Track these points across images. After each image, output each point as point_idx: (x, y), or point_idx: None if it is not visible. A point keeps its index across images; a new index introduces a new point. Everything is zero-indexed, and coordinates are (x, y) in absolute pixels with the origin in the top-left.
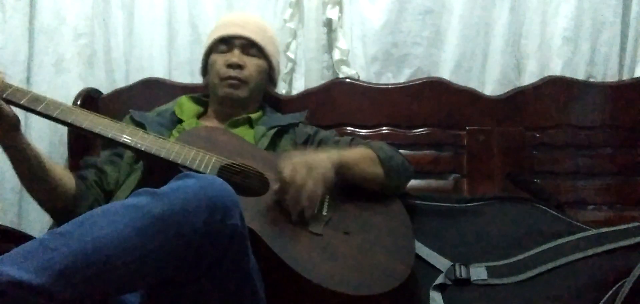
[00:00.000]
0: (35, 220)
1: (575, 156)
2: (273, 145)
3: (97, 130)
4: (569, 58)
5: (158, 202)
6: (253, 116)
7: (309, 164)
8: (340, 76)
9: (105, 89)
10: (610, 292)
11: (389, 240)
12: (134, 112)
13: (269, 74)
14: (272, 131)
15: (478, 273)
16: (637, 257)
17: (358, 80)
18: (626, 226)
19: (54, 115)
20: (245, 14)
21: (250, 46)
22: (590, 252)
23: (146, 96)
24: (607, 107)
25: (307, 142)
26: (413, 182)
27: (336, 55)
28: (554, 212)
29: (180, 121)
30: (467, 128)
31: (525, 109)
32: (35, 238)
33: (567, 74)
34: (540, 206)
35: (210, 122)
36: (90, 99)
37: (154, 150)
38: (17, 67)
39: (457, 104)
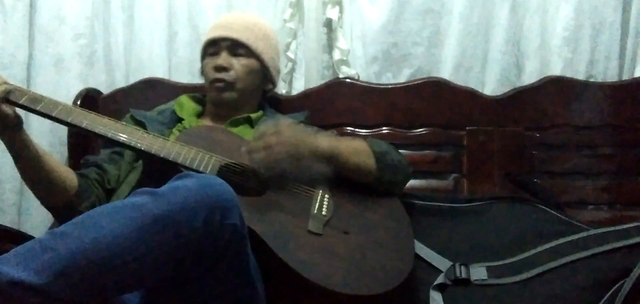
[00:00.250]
0: (35, 220)
1: (575, 156)
2: None
3: (97, 129)
4: (569, 58)
5: (158, 202)
6: (253, 115)
7: (292, 134)
8: (340, 76)
9: (105, 89)
10: (610, 292)
11: (389, 240)
12: (135, 111)
13: (263, 73)
14: None
15: (478, 273)
16: (637, 257)
17: (358, 80)
18: (626, 226)
19: (54, 114)
20: (236, 14)
21: (237, 47)
22: (590, 252)
23: (146, 96)
24: (607, 107)
25: None
26: (413, 182)
27: (336, 55)
28: (554, 212)
29: (180, 120)
30: (467, 128)
31: (525, 109)
32: (35, 237)
33: (567, 74)
34: (540, 206)
35: (210, 122)
36: (90, 99)
37: (153, 150)
38: (17, 67)
39: (457, 104)
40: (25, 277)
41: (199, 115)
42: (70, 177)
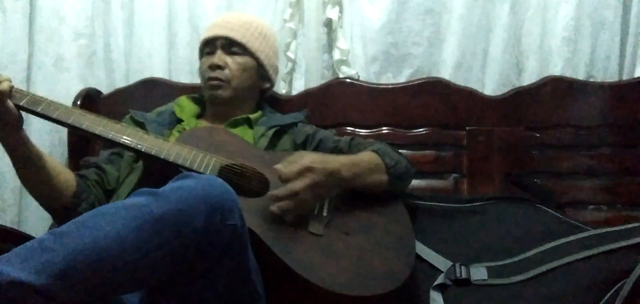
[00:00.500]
0: (35, 220)
1: (575, 156)
2: (272, 145)
3: (97, 131)
4: (569, 58)
5: (158, 203)
6: (252, 116)
7: (315, 182)
8: (340, 76)
9: (105, 89)
10: (610, 292)
11: (390, 240)
12: (135, 112)
13: (259, 71)
14: (271, 131)
15: (478, 273)
16: (637, 257)
17: (358, 80)
18: (626, 226)
19: (54, 116)
20: (232, 14)
21: (232, 45)
22: (590, 252)
23: (146, 96)
24: (607, 107)
25: (306, 141)
26: (413, 182)
27: (336, 55)
28: (554, 213)
29: (180, 121)
30: (467, 128)
31: (525, 109)
32: (35, 237)
33: (567, 74)
34: (540, 206)
35: (210, 122)
36: (90, 99)
37: (154, 151)
38: (17, 67)
39: (457, 104)
40: (25, 277)
41: (199, 116)
42: (69, 178)
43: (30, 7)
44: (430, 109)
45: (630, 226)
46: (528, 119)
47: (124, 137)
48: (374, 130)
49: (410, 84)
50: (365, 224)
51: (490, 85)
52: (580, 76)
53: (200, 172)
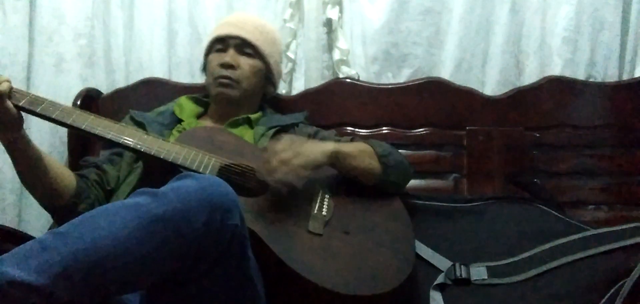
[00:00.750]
0: (35, 220)
1: (575, 156)
2: None
3: (96, 131)
4: (569, 58)
5: (158, 203)
6: (252, 116)
7: (302, 145)
8: (340, 76)
9: (105, 89)
10: (610, 292)
11: (389, 240)
12: (134, 112)
13: (267, 75)
14: (272, 131)
15: (478, 272)
16: (637, 257)
17: (358, 80)
18: (626, 226)
19: (54, 116)
20: (245, 14)
21: (245, 46)
22: (590, 252)
23: (146, 96)
24: (607, 107)
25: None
26: (413, 182)
27: (336, 55)
28: (554, 213)
29: (180, 121)
30: (467, 128)
31: (525, 109)
32: (35, 237)
33: (567, 74)
34: (540, 206)
35: (210, 122)
36: (90, 99)
37: (153, 151)
38: (17, 67)
39: (457, 104)
40: (26, 277)
41: (199, 116)
42: (69, 178)
43: (30, 7)
44: (430, 109)
45: (630, 226)
46: (528, 119)
47: (124, 137)
48: (374, 130)
49: (410, 84)
50: (365, 223)
51: (490, 85)
52: (580, 76)
53: (200, 172)
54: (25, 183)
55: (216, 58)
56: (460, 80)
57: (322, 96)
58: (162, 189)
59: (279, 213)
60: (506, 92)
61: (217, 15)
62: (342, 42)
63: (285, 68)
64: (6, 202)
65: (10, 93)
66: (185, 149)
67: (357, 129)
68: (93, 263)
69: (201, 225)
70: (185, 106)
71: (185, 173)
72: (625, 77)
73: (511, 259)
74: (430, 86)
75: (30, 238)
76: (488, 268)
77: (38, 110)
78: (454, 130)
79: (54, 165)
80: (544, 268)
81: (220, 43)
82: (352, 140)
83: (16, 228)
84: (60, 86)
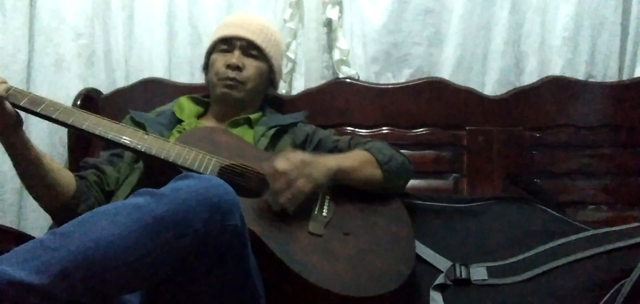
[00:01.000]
0: (35, 220)
1: (575, 156)
2: (272, 145)
3: (97, 131)
4: (569, 58)
5: (159, 203)
6: (252, 116)
7: (305, 163)
8: (340, 75)
9: (105, 89)
10: (610, 292)
11: (389, 241)
12: (134, 112)
13: (269, 77)
14: (272, 131)
15: (478, 273)
16: (637, 257)
17: (358, 80)
18: (626, 226)
19: (54, 116)
20: (250, 15)
21: (250, 47)
22: (590, 252)
23: (146, 96)
24: (607, 107)
25: (306, 141)
26: (413, 182)
27: (336, 55)
28: (554, 213)
29: (180, 121)
30: (467, 128)
31: (525, 109)
32: (35, 237)
33: (567, 74)
34: (540, 206)
35: (210, 123)
36: (90, 99)
37: (154, 151)
38: (17, 67)
39: (457, 104)
40: (26, 277)
41: (199, 116)
42: (68, 179)
43: (30, 7)
44: (430, 109)
45: (630, 226)
46: (528, 119)
47: (124, 137)
48: (374, 130)
49: (410, 84)
50: (365, 224)
51: (490, 85)
52: (580, 76)
53: (200, 173)
54: (25, 184)
55: (221, 58)
56: (460, 80)
57: (322, 95)
58: (163, 189)
59: (279, 214)
60: (506, 92)
61: (217, 15)
62: (342, 42)
63: (285, 68)
64: (6, 202)
65: (7, 95)
66: (185, 149)
67: (357, 129)
68: (93, 263)
69: (201, 225)
70: (185, 106)
71: (185, 173)
72: (625, 77)
73: (511, 259)
74: (430, 86)
75: (30, 238)
76: (488, 268)
77: (38, 110)
78: (454, 130)
79: (54, 166)
80: (544, 267)
81: (225, 43)
82: (351, 139)
83: (16, 228)
84: (60, 86)
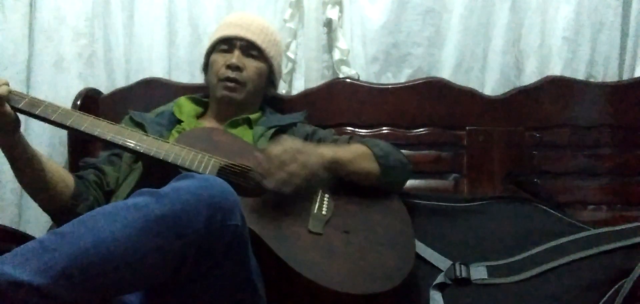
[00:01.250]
0: (35, 220)
1: (575, 156)
2: None
3: (96, 132)
4: (569, 58)
5: (159, 203)
6: (252, 116)
7: (300, 150)
8: (340, 76)
9: (105, 89)
10: (610, 292)
11: (389, 239)
12: (134, 112)
13: (269, 77)
14: (271, 131)
15: (478, 272)
16: (637, 257)
17: (358, 80)
18: (626, 226)
19: (53, 118)
20: (250, 15)
21: (251, 48)
22: (590, 252)
23: (146, 96)
24: (607, 107)
25: (306, 141)
26: (413, 182)
27: (336, 55)
28: (554, 212)
29: (179, 121)
30: (467, 128)
31: (525, 109)
32: (35, 238)
33: (567, 74)
34: (540, 206)
35: (210, 123)
36: (90, 99)
37: (153, 152)
38: (17, 67)
39: (457, 104)
40: (26, 277)
41: (199, 116)
42: (67, 179)
43: (30, 7)
44: (430, 109)
45: (630, 226)
46: (528, 119)
47: (124, 138)
48: (374, 130)
49: (410, 84)
50: (365, 222)
51: (490, 85)
52: (580, 76)
53: (199, 173)
54: (24, 185)
55: (221, 58)
56: (460, 80)
57: (322, 95)
58: (162, 189)
59: (279, 213)
60: (506, 92)
61: (217, 15)
62: (342, 42)
63: (285, 68)
64: (6, 202)
65: (8, 96)
66: (184, 149)
67: (357, 129)
68: (93, 263)
69: (201, 225)
70: (185, 106)
71: (185, 173)
72: (625, 77)
73: (511, 259)
74: (430, 86)
75: (30, 238)
76: (488, 267)
77: (37, 112)
78: (454, 130)
79: (52, 167)
80: (544, 267)
81: (225, 43)
82: (350, 139)
83: (16, 228)
84: (60, 86)
